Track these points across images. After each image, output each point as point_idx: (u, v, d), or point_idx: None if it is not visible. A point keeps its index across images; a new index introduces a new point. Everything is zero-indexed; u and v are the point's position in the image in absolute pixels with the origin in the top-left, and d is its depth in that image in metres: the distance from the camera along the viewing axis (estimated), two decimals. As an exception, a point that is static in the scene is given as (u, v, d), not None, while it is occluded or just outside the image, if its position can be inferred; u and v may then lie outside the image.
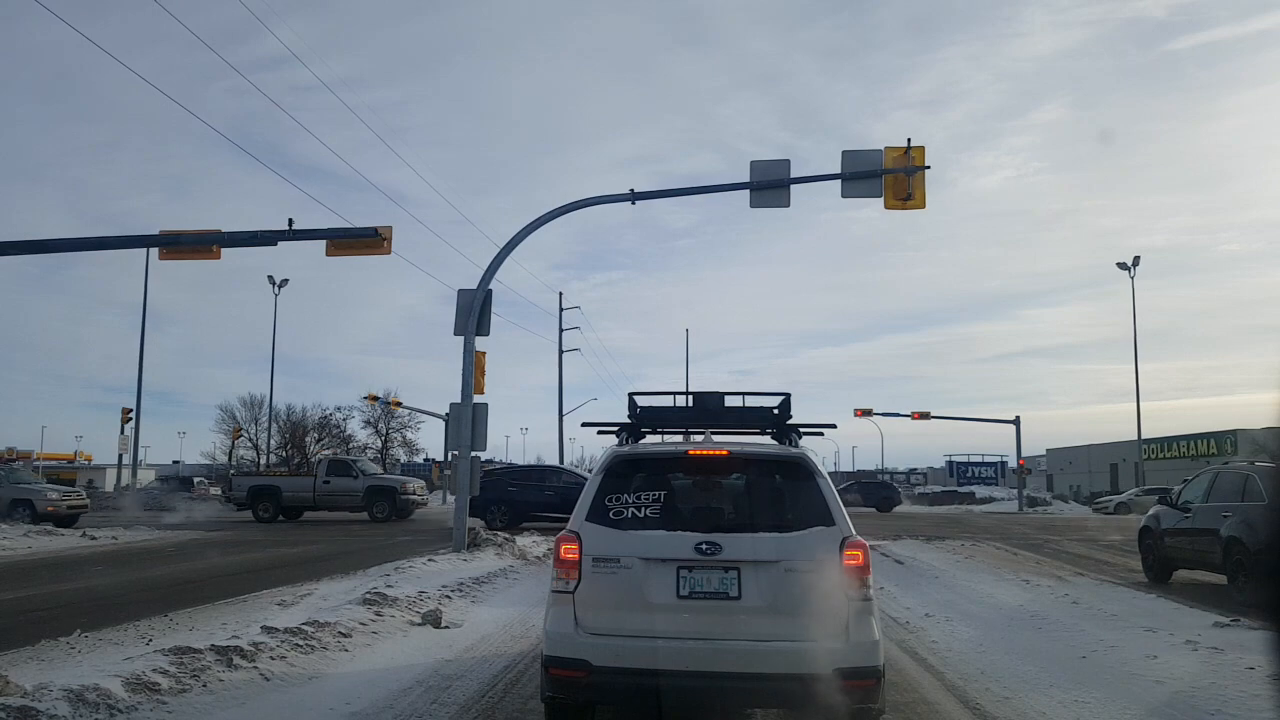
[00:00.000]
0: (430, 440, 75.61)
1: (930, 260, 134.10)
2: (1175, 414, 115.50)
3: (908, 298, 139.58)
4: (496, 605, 10.17)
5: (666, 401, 6.40)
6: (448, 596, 10.09)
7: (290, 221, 17.13)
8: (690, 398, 6.37)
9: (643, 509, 4.64)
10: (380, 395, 56.98)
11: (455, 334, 16.27)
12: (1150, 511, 13.72)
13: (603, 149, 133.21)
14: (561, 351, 51.04)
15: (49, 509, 23.83)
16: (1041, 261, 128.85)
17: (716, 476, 5.15)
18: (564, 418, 51.67)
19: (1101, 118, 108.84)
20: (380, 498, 28.15)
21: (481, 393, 16.59)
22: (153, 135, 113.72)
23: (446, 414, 18.56)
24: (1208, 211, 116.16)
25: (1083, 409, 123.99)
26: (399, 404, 56.67)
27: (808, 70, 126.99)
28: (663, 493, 4.74)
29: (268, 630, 7.15)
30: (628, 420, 6.00)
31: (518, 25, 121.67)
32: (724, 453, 5.01)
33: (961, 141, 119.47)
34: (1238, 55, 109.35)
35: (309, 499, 28.47)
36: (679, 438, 6.39)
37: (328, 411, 63.19)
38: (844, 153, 15.74)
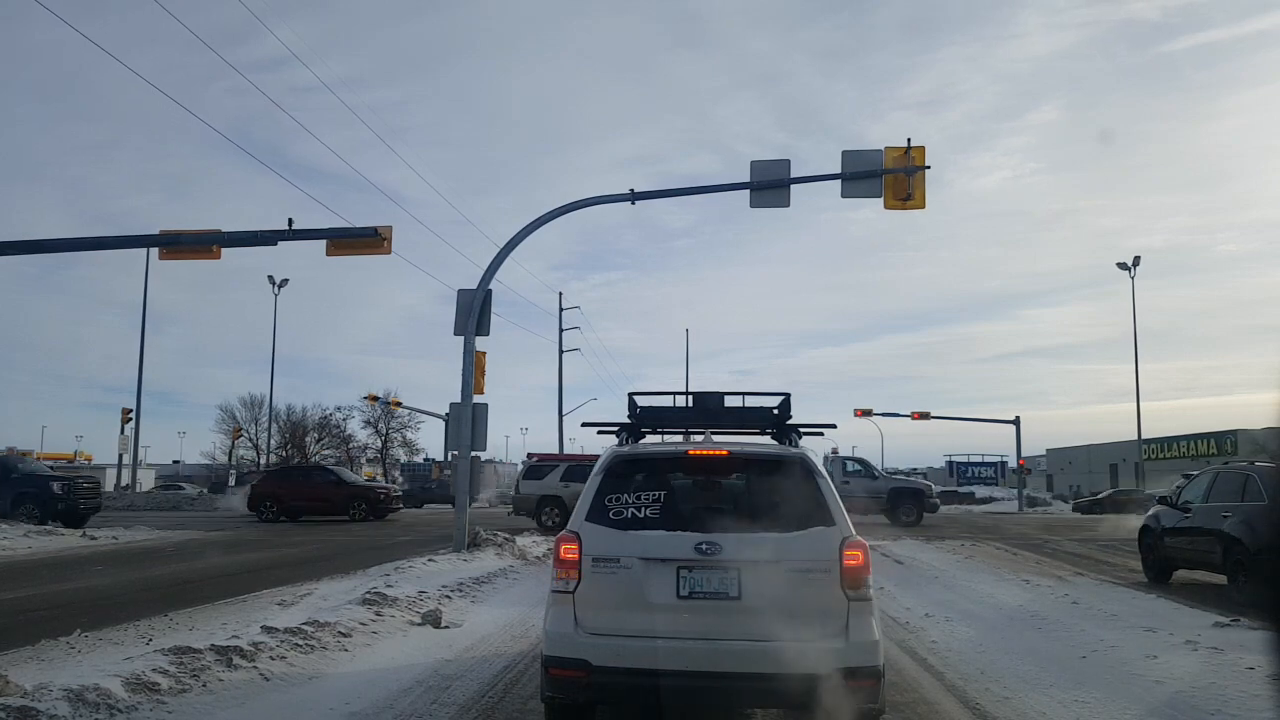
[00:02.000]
0: (430, 440, 75.49)
1: (929, 260, 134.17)
2: (1175, 414, 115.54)
3: (907, 298, 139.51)
4: (496, 605, 10.17)
5: (666, 401, 6.40)
6: (448, 596, 10.10)
7: (290, 221, 17.14)
8: (690, 398, 6.38)
9: (643, 509, 4.64)
10: (380, 395, 57.06)
11: (455, 334, 16.27)
12: (1150, 511, 13.72)
13: (602, 149, 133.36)
14: (561, 351, 51.04)
15: None
16: (1041, 262, 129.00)
17: (716, 476, 5.16)
18: (564, 418, 51.66)
19: (1098, 119, 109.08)
20: (907, 500, 27.38)
21: (481, 393, 16.61)
22: (152, 135, 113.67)
23: (446, 414, 18.57)
24: (1206, 212, 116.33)
25: (1083, 409, 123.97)
26: (399, 404, 56.75)
27: (806, 71, 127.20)
28: (663, 493, 4.74)
29: (268, 630, 7.15)
30: (628, 420, 6.00)
31: (518, 25, 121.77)
32: (724, 453, 5.01)
33: (959, 142, 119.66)
34: (1234, 56, 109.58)
35: None
36: (679, 438, 6.39)
37: (328, 411, 63.34)
38: (844, 153, 15.74)
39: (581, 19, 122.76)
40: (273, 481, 29.81)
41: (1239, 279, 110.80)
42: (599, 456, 5.40)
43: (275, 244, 17.50)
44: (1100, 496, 43.35)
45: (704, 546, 4.41)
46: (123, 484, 43.91)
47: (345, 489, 28.36)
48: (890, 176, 15.55)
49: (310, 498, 27.96)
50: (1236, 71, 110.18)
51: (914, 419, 51.68)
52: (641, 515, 4.62)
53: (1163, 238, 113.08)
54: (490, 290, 16.41)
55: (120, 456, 40.97)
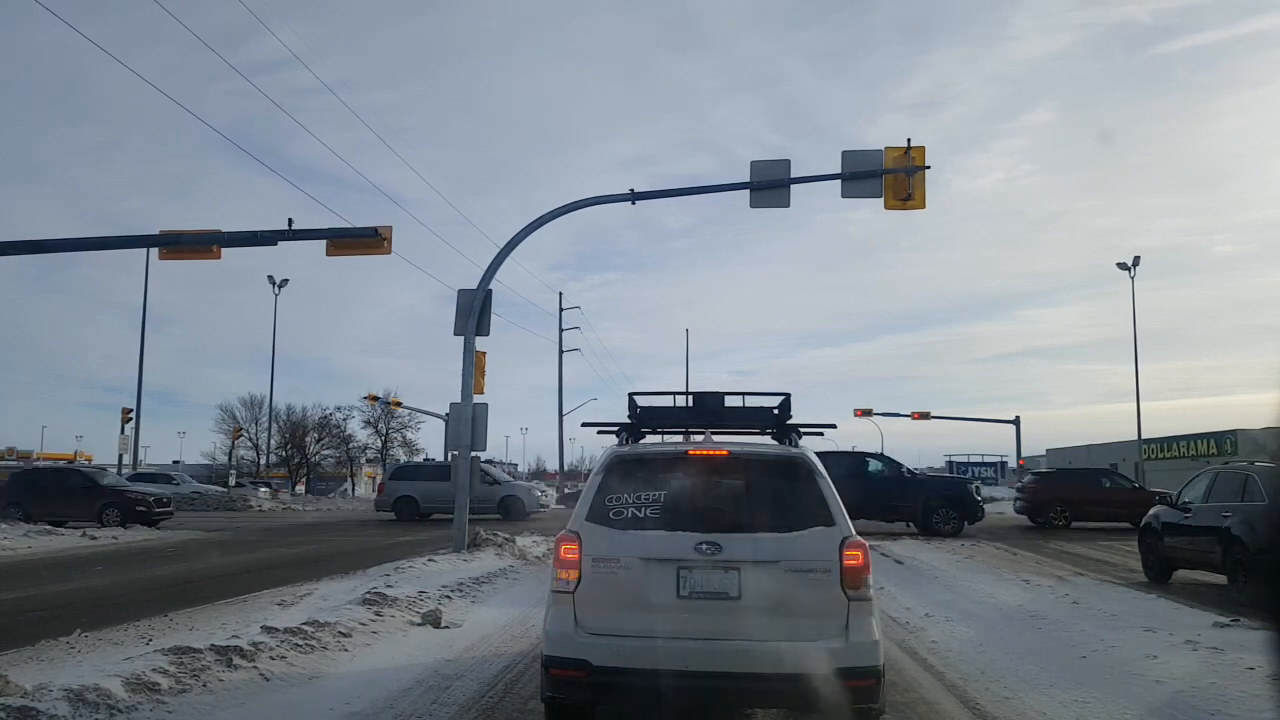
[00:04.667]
0: (430, 440, 75.37)
1: (927, 261, 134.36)
2: (1174, 414, 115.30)
3: (906, 298, 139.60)
4: (496, 605, 10.17)
5: (666, 401, 6.40)
6: (448, 596, 10.09)
7: (290, 221, 17.12)
8: (690, 398, 6.38)
9: (643, 509, 4.64)
10: (380, 395, 56.96)
11: (455, 334, 16.27)
12: (1150, 511, 13.73)
13: (600, 150, 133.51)
14: (561, 351, 51.08)
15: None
16: (1039, 262, 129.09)
17: (716, 476, 5.15)
18: (564, 418, 51.70)
19: (1094, 120, 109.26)
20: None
21: (481, 393, 16.60)
22: (152, 136, 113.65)
23: (446, 414, 18.56)
24: (1203, 213, 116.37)
25: (1082, 409, 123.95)
26: (399, 404, 56.61)
27: (801, 73, 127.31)
28: (663, 493, 4.74)
29: (268, 630, 7.15)
30: (628, 420, 6.00)
31: (516, 27, 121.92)
32: (724, 453, 5.01)
33: (955, 144, 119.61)
34: (1228, 58, 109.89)
35: None
36: (679, 438, 6.39)
37: (328, 411, 63.14)
38: (844, 153, 15.73)
39: (580, 19, 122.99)
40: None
41: (1236, 279, 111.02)
42: None
43: (275, 244, 17.48)
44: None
45: (704, 547, 4.41)
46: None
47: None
48: (890, 176, 15.54)
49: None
50: (1232, 73, 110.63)
51: (914, 419, 51.75)
52: (641, 515, 4.62)
53: (1160, 238, 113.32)
54: (490, 290, 16.41)
55: (120, 456, 40.83)
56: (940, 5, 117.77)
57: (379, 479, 41.88)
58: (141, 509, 24.38)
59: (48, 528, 21.09)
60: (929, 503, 21.88)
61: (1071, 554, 17.40)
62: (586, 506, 4.72)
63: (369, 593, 9.29)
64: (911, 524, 22.27)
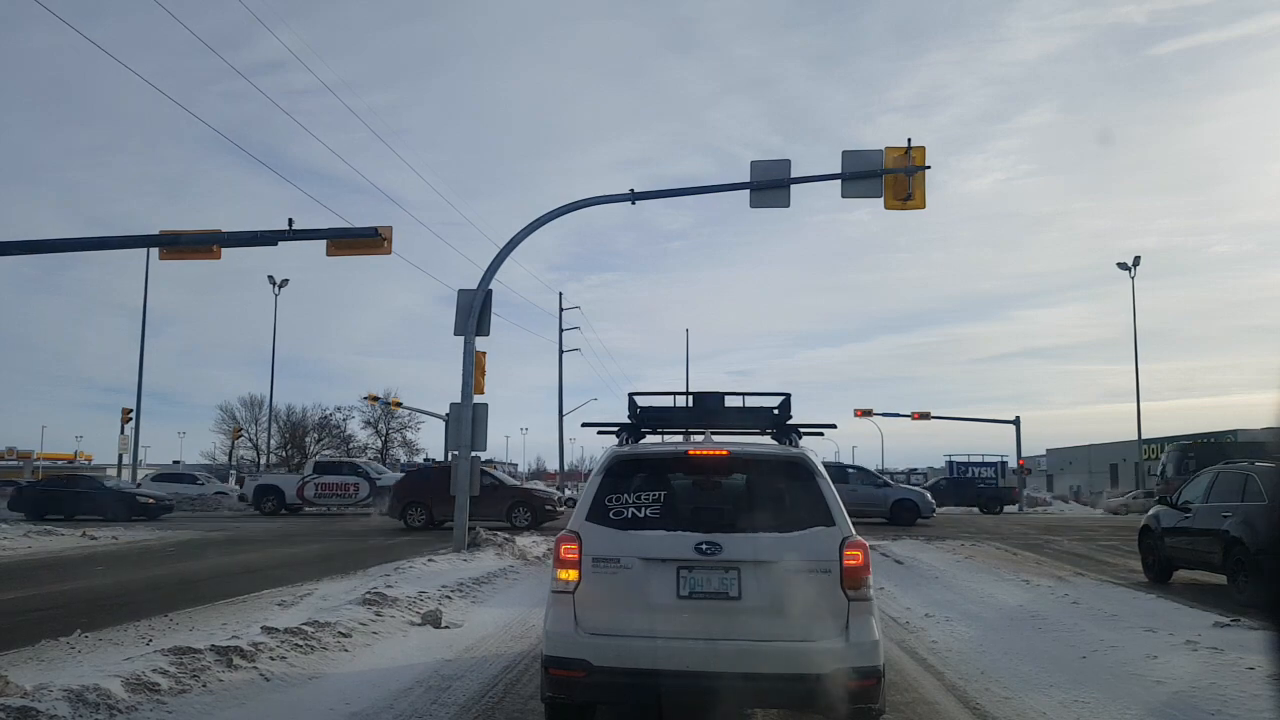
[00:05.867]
0: (430, 440, 75.52)
1: (924, 262, 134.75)
2: (1171, 414, 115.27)
3: (903, 299, 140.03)
4: (496, 605, 10.17)
5: (667, 402, 6.40)
6: (448, 597, 10.09)
7: (290, 221, 17.12)
8: (690, 398, 6.37)
9: (643, 509, 4.64)
10: (380, 395, 57.04)
11: (455, 334, 16.28)
12: (1150, 511, 13.72)
13: (596, 152, 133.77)
14: (561, 352, 51.04)
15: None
16: (1035, 263, 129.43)
17: (717, 476, 5.15)
18: (564, 418, 51.67)
19: (1089, 121, 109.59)
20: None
21: (481, 393, 16.60)
22: (149, 138, 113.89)
23: (446, 414, 18.56)
24: (1199, 213, 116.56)
25: (1081, 409, 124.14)
26: (399, 404, 56.69)
27: (796, 75, 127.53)
28: (663, 493, 4.74)
29: (268, 630, 7.15)
30: (628, 420, 6.00)
31: (514, 30, 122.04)
32: (724, 453, 5.00)
33: (950, 145, 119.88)
34: (1223, 59, 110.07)
35: None
36: (679, 438, 6.38)
37: (328, 411, 63.30)
38: (844, 153, 15.73)
39: (576, 24, 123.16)
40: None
41: (1233, 280, 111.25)
42: None
43: (275, 244, 17.47)
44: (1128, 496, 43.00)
45: (704, 546, 4.41)
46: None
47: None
48: (890, 176, 15.53)
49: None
50: (1226, 74, 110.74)
51: (914, 419, 51.75)
52: (642, 515, 4.62)
53: (1155, 239, 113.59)
54: (490, 290, 16.41)
55: (120, 457, 40.89)
56: (933, 7, 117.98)
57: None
58: (549, 508, 24.15)
59: (48, 528, 21.09)
60: None
61: (1072, 554, 17.41)
62: (587, 506, 4.72)
63: (369, 593, 9.29)
64: None
